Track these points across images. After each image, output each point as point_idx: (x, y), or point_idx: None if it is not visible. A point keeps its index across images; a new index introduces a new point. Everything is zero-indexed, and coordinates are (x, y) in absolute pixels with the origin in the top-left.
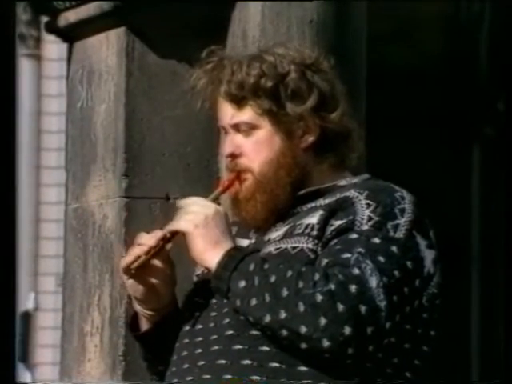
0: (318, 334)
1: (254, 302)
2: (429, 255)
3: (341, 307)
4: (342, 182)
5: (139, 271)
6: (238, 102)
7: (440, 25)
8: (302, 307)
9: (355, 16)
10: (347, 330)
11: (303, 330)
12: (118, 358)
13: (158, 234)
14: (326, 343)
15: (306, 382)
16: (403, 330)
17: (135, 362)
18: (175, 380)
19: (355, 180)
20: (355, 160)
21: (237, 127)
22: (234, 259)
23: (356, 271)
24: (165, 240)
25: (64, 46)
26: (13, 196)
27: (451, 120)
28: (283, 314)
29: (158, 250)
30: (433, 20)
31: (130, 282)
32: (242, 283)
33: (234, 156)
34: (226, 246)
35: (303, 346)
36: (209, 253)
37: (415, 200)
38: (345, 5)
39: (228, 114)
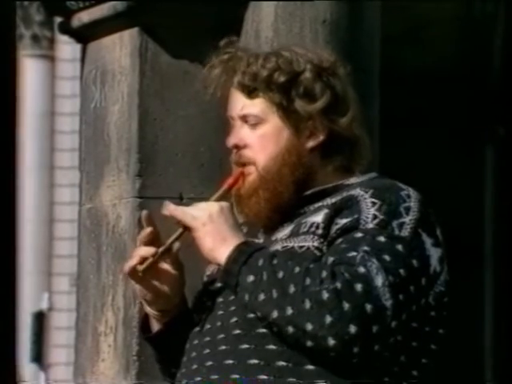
0: (323, 332)
1: (261, 297)
2: (435, 253)
3: (346, 306)
4: (349, 181)
5: (146, 273)
6: (250, 93)
7: (453, 25)
8: (308, 304)
9: (368, 16)
10: (352, 329)
11: (309, 327)
12: (131, 358)
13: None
14: (331, 341)
15: (313, 382)
16: (410, 328)
17: (149, 362)
18: (185, 381)
19: (362, 179)
20: (361, 166)
21: (245, 119)
22: (244, 254)
23: (362, 270)
24: (171, 241)
25: (77, 47)
26: (13, 196)
27: (464, 120)
28: (290, 311)
29: (164, 251)
30: (446, 20)
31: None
32: (251, 278)
33: (238, 147)
34: (235, 240)
35: (309, 343)
36: (218, 249)
37: (421, 198)
38: (358, 5)
39: (239, 104)
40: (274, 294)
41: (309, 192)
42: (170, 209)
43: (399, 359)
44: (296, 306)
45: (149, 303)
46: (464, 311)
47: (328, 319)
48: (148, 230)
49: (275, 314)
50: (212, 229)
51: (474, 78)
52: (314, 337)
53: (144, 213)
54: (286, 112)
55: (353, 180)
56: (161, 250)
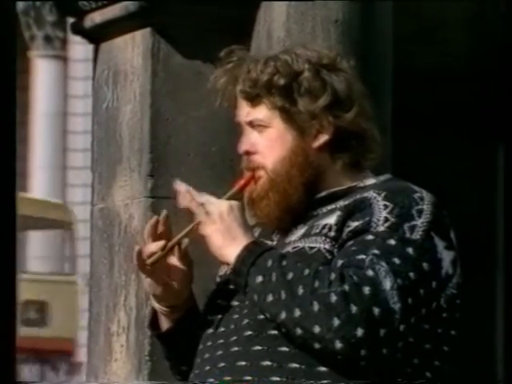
0: (330, 335)
1: (270, 298)
2: (447, 256)
3: (354, 309)
4: (363, 183)
5: (155, 267)
6: (253, 99)
7: (466, 24)
8: (316, 306)
9: (380, 16)
10: (360, 332)
11: (317, 329)
12: (144, 358)
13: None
14: (338, 344)
15: (325, 382)
16: (422, 330)
17: (161, 362)
18: (198, 382)
19: (375, 181)
20: (371, 162)
21: (252, 124)
22: (253, 254)
23: (370, 273)
24: (180, 236)
25: (90, 47)
26: (13, 199)
27: (477, 119)
28: (298, 313)
29: (173, 246)
30: (459, 20)
31: (148, 278)
32: (259, 278)
33: (248, 153)
34: (245, 240)
35: (316, 346)
36: (227, 248)
37: (435, 201)
38: (370, 4)
39: (244, 111)
40: (283, 295)
41: (322, 194)
42: (186, 201)
43: (412, 361)
44: (304, 307)
45: (158, 299)
46: (475, 313)
47: (336, 322)
48: (152, 220)
49: (283, 316)
50: (221, 227)
51: (486, 78)
52: (322, 339)
53: (163, 214)
54: (289, 114)
55: (367, 182)
56: (170, 244)
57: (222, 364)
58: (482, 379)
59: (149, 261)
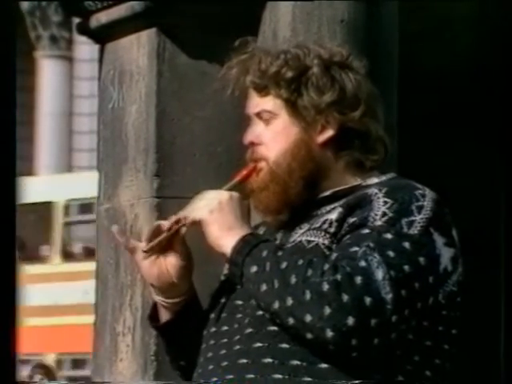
0: (321, 324)
1: (264, 287)
2: (446, 253)
3: (345, 298)
4: (367, 182)
5: (153, 255)
6: (261, 90)
7: (471, 24)
8: (308, 295)
9: (386, 15)
10: (350, 321)
11: (308, 318)
12: (149, 358)
13: (171, 219)
14: (329, 333)
15: (325, 382)
16: (421, 327)
17: (167, 362)
18: (202, 381)
19: (380, 179)
20: (374, 163)
21: (259, 116)
22: (249, 245)
23: (362, 263)
24: (179, 225)
25: (95, 47)
26: (14, 200)
27: (481, 119)
28: (290, 301)
29: (171, 235)
30: (464, 19)
31: (145, 268)
32: (254, 268)
33: (253, 144)
34: (242, 231)
35: (309, 336)
36: (224, 239)
37: (437, 198)
38: (376, 4)
39: (253, 102)
40: (276, 283)
41: (326, 194)
42: (183, 214)
43: (413, 358)
44: (297, 296)
45: (157, 290)
46: (479, 311)
47: (327, 311)
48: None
49: (276, 305)
50: (220, 216)
51: (491, 78)
52: (313, 328)
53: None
54: (295, 107)
55: (371, 180)
56: (167, 233)
57: (225, 363)
58: (484, 379)
59: (144, 248)
